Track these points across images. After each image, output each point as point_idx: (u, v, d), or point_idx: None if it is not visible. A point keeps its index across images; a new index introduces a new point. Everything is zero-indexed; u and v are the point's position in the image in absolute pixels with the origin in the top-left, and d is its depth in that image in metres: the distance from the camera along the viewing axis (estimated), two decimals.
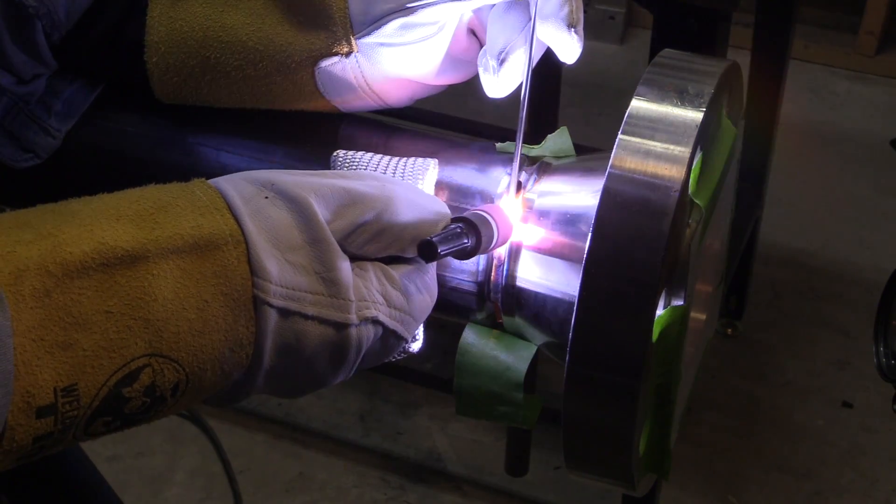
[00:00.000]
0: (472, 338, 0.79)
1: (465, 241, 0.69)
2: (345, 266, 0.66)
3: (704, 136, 0.71)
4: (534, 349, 0.79)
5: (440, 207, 0.72)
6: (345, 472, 2.09)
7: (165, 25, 0.81)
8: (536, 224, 0.75)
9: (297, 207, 0.65)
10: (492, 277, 0.76)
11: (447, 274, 0.76)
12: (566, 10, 0.75)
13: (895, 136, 2.85)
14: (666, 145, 0.68)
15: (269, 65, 0.80)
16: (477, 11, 0.81)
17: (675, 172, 0.67)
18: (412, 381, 2.19)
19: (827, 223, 2.63)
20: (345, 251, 0.67)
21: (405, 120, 0.88)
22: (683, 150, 0.68)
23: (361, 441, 2.14)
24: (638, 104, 0.71)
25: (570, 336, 0.68)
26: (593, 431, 0.72)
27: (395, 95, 0.83)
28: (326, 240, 0.65)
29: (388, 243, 0.69)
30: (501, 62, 0.77)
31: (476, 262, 0.76)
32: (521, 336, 0.79)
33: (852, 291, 2.44)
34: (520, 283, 0.75)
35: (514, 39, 0.77)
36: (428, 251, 0.67)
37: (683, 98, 0.70)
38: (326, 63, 0.80)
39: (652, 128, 0.69)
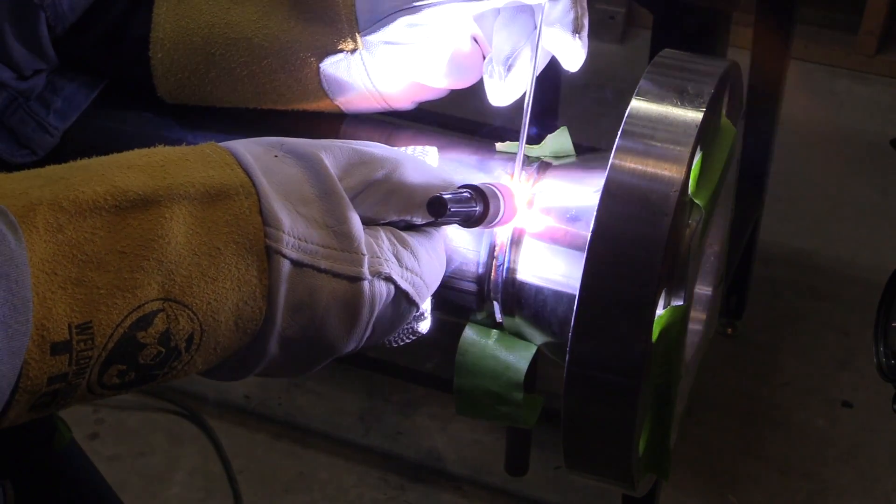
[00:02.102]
0: (472, 338, 0.79)
1: (474, 206, 0.69)
2: (356, 220, 0.66)
3: (704, 136, 0.71)
4: (534, 349, 0.79)
5: (448, 176, 0.72)
6: (345, 471, 2.09)
7: (171, 22, 0.81)
8: (536, 224, 0.75)
9: (308, 163, 0.65)
10: (492, 277, 0.76)
11: (447, 273, 0.76)
12: (572, 15, 0.76)
13: (895, 136, 2.85)
14: (666, 145, 0.68)
15: (274, 61, 0.80)
16: (479, 21, 0.82)
17: (674, 172, 0.67)
18: (412, 381, 2.19)
19: (827, 223, 2.63)
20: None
21: (405, 120, 0.88)
22: (683, 150, 0.68)
23: (361, 441, 2.14)
24: (638, 104, 0.71)
25: (570, 336, 0.68)
26: (593, 431, 0.72)
27: (398, 97, 0.83)
28: (337, 193, 0.65)
29: (397, 205, 0.69)
30: (509, 68, 0.77)
31: (476, 262, 0.76)
32: (521, 336, 0.79)
33: (852, 291, 2.44)
34: (520, 276, 0.75)
35: (521, 46, 0.78)
36: (437, 207, 0.66)
37: (683, 98, 0.70)
38: (331, 60, 0.80)
39: (652, 128, 0.69)
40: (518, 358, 0.78)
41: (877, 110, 2.98)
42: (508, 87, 0.78)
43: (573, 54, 0.77)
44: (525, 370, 0.78)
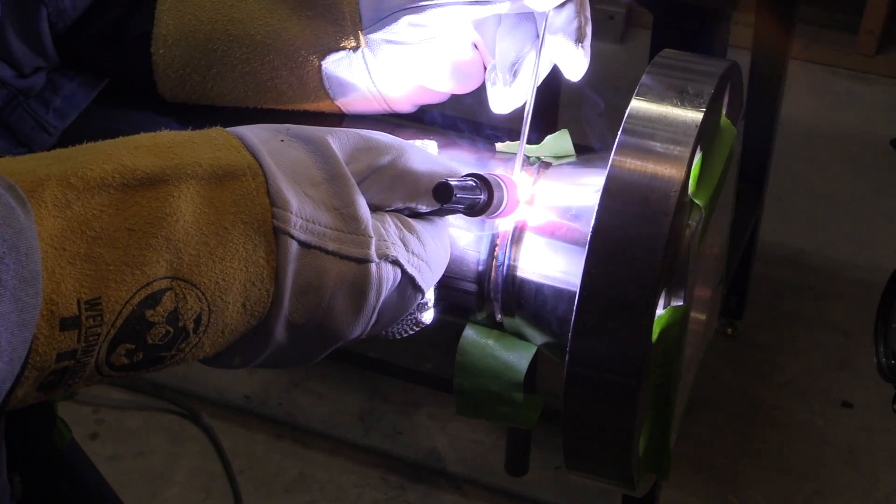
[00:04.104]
0: (472, 338, 0.79)
1: (479, 194, 0.70)
2: (363, 203, 0.66)
3: (704, 136, 0.71)
4: (534, 349, 0.79)
5: (452, 165, 0.73)
6: (345, 471, 2.09)
7: (174, 18, 0.81)
8: (537, 222, 0.75)
9: (315, 147, 0.65)
10: (492, 276, 0.76)
11: (447, 274, 0.76)
12: (575, 24, 0.76)
13: (895, 136, 2.85)
14: (666, 145, 0.68)
15: (276, 58, 0.81)
16: (481, 28, 0.82)
17: (674, 172, 0.67)
18: (412, 381, 2.19)
19: (827, 223, 2.63)
20: None
21: (405, 121, 0.88)
22: (683, 150, 0.68)
23: (361, 441, 2.14)
24: (638, 104, 0.71)
25: (570, 336, 0.68)
26: (593, 432, 0.72)
27: (398, 98, 0.84)
28: (344, 176, 0.65)
29: (403, 192, 0.69)
30: (514, 75, 0.77)
31: (476, 262, 0.76)
32: (521, 336, 0.79)
33: (852, 291, 2.44)
34: (520, 276, 0.75)
35: (525, 54, 0.78)
36: (444, 193, 0.67)
37: (683, 98, 0.70)
38: (333, 58, 0.80)
39: (652, 128, 0.69)
40: (518, 358, 0.78)
41: (877, 110, 2.98)
42: (513, 94, 0.78)
43: (576, 63, 0.77)
44: (525, 370, 0.78)
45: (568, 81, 0.80)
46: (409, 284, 0.69)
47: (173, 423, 2.17)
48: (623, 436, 0.70)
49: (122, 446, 2.12)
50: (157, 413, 2.19)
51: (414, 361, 2.14)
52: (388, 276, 0.67)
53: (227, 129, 0.66)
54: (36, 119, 0.84)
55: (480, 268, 0.76)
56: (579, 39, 0.76)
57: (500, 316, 0.78)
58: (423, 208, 0.70)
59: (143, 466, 2.10)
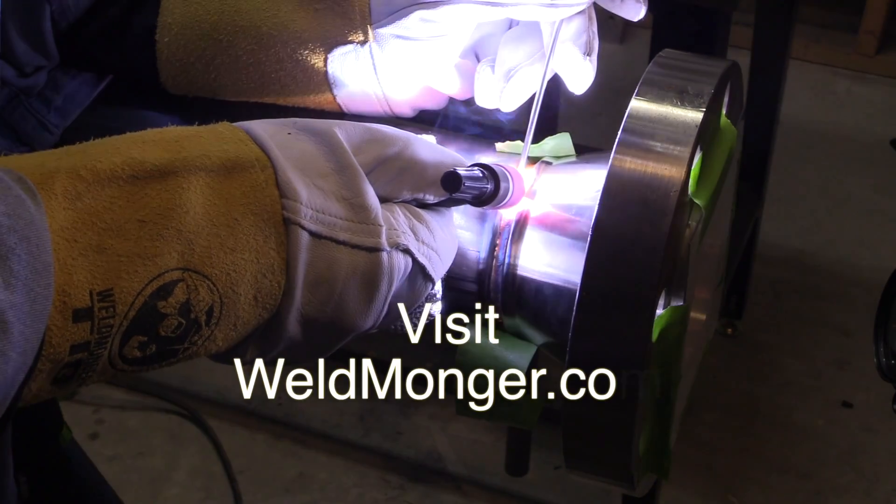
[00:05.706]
0: (473, 337, 0.79)
1: (486, 184, 0.70)
2: (372, 193, 0.66)
3: (704, 136, 0.71)
4: (534, 349, 0.79)
5: (457, 156, 0.73)
6: (345, 472, 2.09)
7: (180, 7, 0.81)
8: (537, 221, 0.75)
9: (322, 138, 0.66)
10: (492, 276, 0.76)
11: (448, 274, 0.76)
12: (584, 38, 0.77)
13: (895, 136, 2.85)
14: (666, 145, 0.69)
15: (282, 50, 0.81)
16: (484, 40, 0.82)
17: (674, 172, 0.67)
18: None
19: (827, 223, 2.63)
20: None
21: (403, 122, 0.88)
22: (683, 150, 0.68)
23: (361, 441, 2.14)
24: (638, 104, 0.71)
25: (570, 336, 0.68)
26: (593, 431, 0.72)
27: (400, 98, 0.83)
28: (353, 166, 0.65)
29: (410, 182, 0.69)
30: (507, 80, 0.78)
31: (476, 261, 0.76)
32: (521, 336, 0.79)
33: (852, 291, 2.44)
34: (520, 275, 0.75)
35: (524, 64, 0.78)
36: (452, 182, 0.67)
37: (683, 98, 0.70)
38: (340, 51, 0.80)
39: (652, 128, 0.69)
40: (518, 358, 0.78)
41: (877, 110, 2.98)
42: (507, 96, 0.79)
43: (582, 75, 0.78)
44: (525, 370, 0.78)
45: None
46: (419, 273, 0.70)
47: (173, 423, 2.17)
48: (623, 436, 0.70)
49: (122, 446, 2.12)
50: (157, 413, 2.19)
51: (414, 361, 2.14)
52: (399, 265, 0.67)
53: (235, 123, 0.66)
54: (38, 118, 0.84)
55: (481, 267, 0.76)
56: (587, 53, 0.77)
57: (499, 315, 0.78)
58: (431, 199, 0.71)
59: (143, 466, 2.09)
